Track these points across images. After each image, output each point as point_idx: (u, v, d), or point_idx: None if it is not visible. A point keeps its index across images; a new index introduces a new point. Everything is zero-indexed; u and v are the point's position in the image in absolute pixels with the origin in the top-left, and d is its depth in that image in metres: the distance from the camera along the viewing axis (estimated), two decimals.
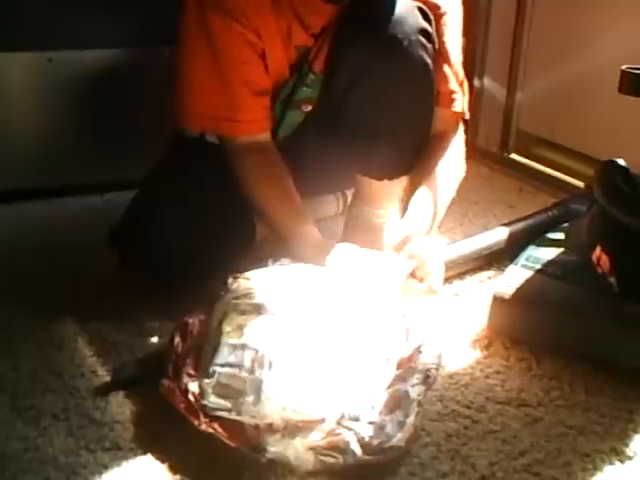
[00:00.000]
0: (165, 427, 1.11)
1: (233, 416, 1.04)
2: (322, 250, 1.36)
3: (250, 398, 1.04)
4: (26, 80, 1.85)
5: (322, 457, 1.02)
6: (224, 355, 1.09)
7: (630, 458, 1.09)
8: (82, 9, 1.79)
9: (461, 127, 1.55)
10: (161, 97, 1.52)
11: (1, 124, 1.83)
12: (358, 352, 1.11)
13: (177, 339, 1.17)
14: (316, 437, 1.02)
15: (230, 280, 1.23)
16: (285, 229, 1.43)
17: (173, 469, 1.05)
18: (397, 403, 1.07)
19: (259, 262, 1.33)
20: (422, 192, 1.45)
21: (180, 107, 1.46)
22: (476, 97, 2.17)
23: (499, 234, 1.61)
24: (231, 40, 1.38)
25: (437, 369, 1.15)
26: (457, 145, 1.53)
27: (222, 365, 1.08)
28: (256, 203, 1.45)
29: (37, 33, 1.78)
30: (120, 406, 1.17)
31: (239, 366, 1.07)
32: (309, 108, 1.50)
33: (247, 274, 1.24)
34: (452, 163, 1.50)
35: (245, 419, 1.03)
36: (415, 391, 1.09)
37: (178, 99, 1.46)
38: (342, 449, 1.01)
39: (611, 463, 1.08)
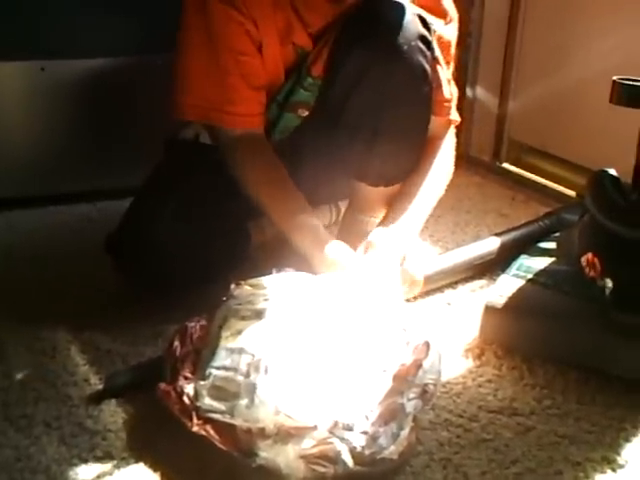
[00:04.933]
0: (158, 436, 1.11)
1: (226, 419, 1.04)
2: (323, 244, 1.36)
3: (244, 401, 1.04)
4: (19, 89, 1.85)
5: (313, 466, 1.01)
6: (221, 358, 1.09)
7: (622, 466, 1.09)
8: (74, 18, 1.79)
9: (452, 129, 1.56)
10: (154, 105, 1.52)
11: None
12: (355, 362, 1.11)
13: (176, 343, 1.17)
14: (307, 445, 1.02)
15: (233, 286, 1.23)
16: (285, 222, 1.41)
17: (165, 478, 1.05)
18: (392, 415, 1.06)
19: (254, 269, 1.33)
20: (406, 193, 1.47)
21: (176, 97, 1.45)
22: (468, 106, 2.17)
23: (491, 243, 1.61)
24: (230, 29, 1.38)
25: (435, 385, 1.14)
26: (448, 147, 1.54)
27: (218, 368, 1.08)
28: (254, 196, 1.43)
29: (29, 42, 1.78)
30: (113, 414, 1.17)
31: (235, 370, 1.07)
32: (305, 113, 1.49)
33: (250, 281, 1.24)
34: (442, 165, 1.52)
35: (237, 422, 1.03)
36: (411, 405, 1.08)
37: (175, 90, 1.45)
38: (333, 459, 1.01)
39: (603, 472, 1.08)
